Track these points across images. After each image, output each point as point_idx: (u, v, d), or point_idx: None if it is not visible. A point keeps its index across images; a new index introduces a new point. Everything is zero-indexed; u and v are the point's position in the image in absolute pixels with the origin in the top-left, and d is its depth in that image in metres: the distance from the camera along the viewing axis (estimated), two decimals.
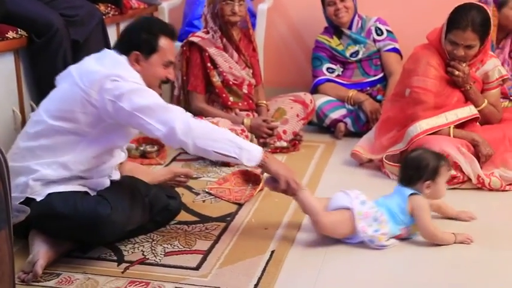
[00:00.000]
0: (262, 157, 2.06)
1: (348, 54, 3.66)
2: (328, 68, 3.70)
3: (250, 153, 2.05)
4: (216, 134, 2.04)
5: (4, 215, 1.33)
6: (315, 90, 3.68)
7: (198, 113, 3.24)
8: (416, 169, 2.22)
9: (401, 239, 2.23)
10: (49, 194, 2.04)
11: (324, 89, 3.65)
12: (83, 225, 1.99)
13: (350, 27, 3.66)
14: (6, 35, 2.47)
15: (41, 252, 1.98)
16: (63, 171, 2.07)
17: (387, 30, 3.68)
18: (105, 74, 2.03)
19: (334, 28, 3.68)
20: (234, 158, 2.03)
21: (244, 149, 2.04)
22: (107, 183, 2.20)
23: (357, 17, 3.67)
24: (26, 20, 2.56)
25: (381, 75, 3.66)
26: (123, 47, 2.15)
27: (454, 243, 2.19)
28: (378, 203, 2.23)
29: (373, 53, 3.66)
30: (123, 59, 2.12)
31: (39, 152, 2.05)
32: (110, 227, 2.00)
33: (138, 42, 2.13)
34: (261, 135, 3.20)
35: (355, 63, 3.68)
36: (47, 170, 2.05)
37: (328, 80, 3.66)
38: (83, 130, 2.06)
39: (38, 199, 2.01)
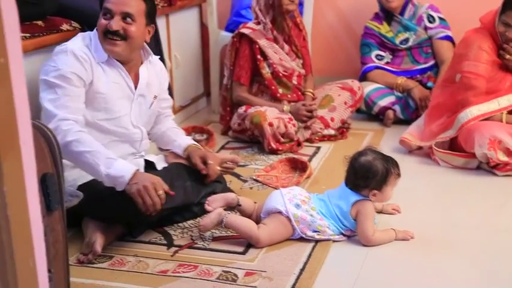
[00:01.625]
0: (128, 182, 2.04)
1: (397, 41, 3.61)
2: (377, 55, 3.66)
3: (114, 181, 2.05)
4: (85, 159, 2.03)
5: (58, 196, 1.39)
6: (363, 77, 3.65)
7: (238, 102, 3.28)
8: (363, 178, 2.10)
9: None
10: (81, 184, 2.12)
11: (372, 76, 3.61)
12: (120, 203, 2.06)
13: (402, 13, 3.60)
14: (61, 28, 2.55)
15: (97, 234, 2.06)
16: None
17: (439, 18, 3.59)
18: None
19: (385, 13, 3.62)
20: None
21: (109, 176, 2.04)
22: (137, 163, 2.26)
23: (410, 4, 3.60)
24: (78, 12, 2.63)
25: (431, 63, 3.59)
26: None
27: (395, 240, 2.13)
28: (320, 202, 2.15)
29: (423, 40, 3.59)
30: (84, 34, 2.24)
31: None
32: None
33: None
34: (301, 119, 3.20)
35: (404, 50, 3.62)
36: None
37: (377, 67, 3.62)
38: None
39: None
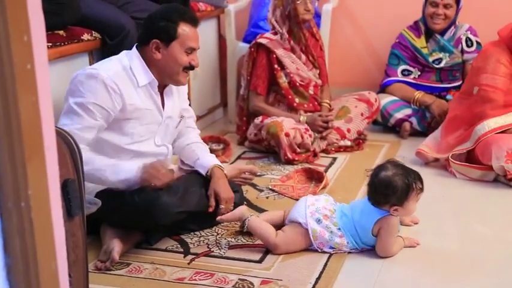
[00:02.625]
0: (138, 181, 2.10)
1: (430, 59, 3.54)
2: (403, 70, 3.60)
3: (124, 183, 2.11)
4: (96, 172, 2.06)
5: (78, 202, 1.41)
6: (382, 90, 3.64)
7: (255, 112, 3.30)
8: (382, 195, 2.05)
9: None
10: (99, 191, 2.14)
11: (391, 89, 3.58)
12: (137, 209, 2.09)
13: (442, 34, 3.53)
14: (82, 37, 2.60)
15: (114, 241, 2.09)
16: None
17: (477, 42, 3.52)
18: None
19: (427, 28, 3.55)
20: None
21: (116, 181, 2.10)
22: None
23: (452, 26, 3.52)
24: (99, 23, 2.68)
25: (454, 84, 3.53)
26: (145, 36, 2.21)
27: (404, 247, 2.14)
28: (343, 217, 2.13)
29: (456, 63, 3.53)
30: (119, 57, 2.22)
31: None
32: (161, 208, 2.09)
33: (157, 30, 2.18)
34: (317, 129, 3.21)
35: (434, 70, 3.57)
36: None
37: (398, 81, 3.60)
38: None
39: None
